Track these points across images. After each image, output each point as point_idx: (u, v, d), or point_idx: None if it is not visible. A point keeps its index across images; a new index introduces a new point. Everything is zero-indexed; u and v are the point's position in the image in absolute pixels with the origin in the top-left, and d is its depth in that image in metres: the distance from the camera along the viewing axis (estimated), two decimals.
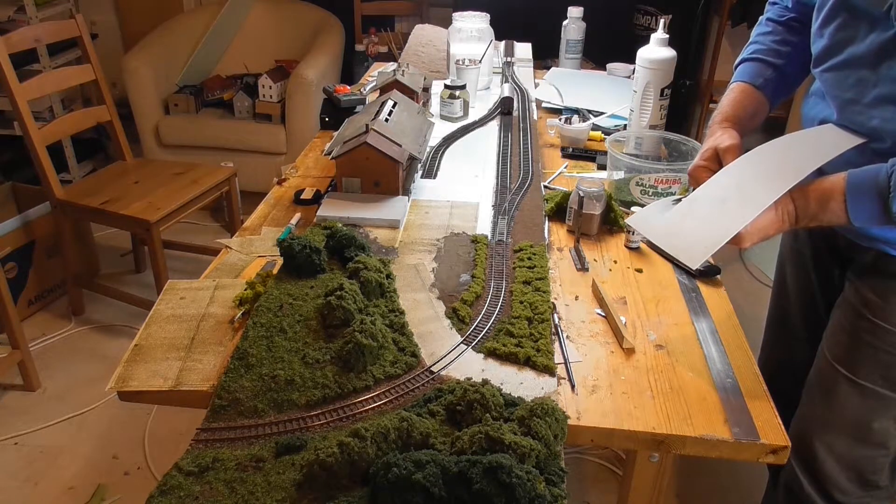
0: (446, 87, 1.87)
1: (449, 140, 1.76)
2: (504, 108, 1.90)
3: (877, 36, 0.97)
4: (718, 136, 1.11)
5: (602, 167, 1.63)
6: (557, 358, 1.01)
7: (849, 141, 1.03)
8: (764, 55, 1.22)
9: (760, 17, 1.28)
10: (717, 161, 1.10)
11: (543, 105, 2.01)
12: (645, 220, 1.09)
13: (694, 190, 1.08)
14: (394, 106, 1.50)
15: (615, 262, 1.28)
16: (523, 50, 2.48)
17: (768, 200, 0.96)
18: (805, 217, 0.99)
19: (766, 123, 1.25)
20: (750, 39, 1.27)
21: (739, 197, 0.99)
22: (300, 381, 0.93)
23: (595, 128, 1.82)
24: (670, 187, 1.38)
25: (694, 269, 1.02)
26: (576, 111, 1.93)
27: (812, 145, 1.06)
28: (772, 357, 1.47)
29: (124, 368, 0.99)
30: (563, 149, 1.75)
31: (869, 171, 0.95)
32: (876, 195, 0.93)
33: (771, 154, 1.05)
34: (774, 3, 1.27)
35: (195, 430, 0.88)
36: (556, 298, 1.16)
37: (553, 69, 2.33)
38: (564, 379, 0.98)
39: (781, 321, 1.44)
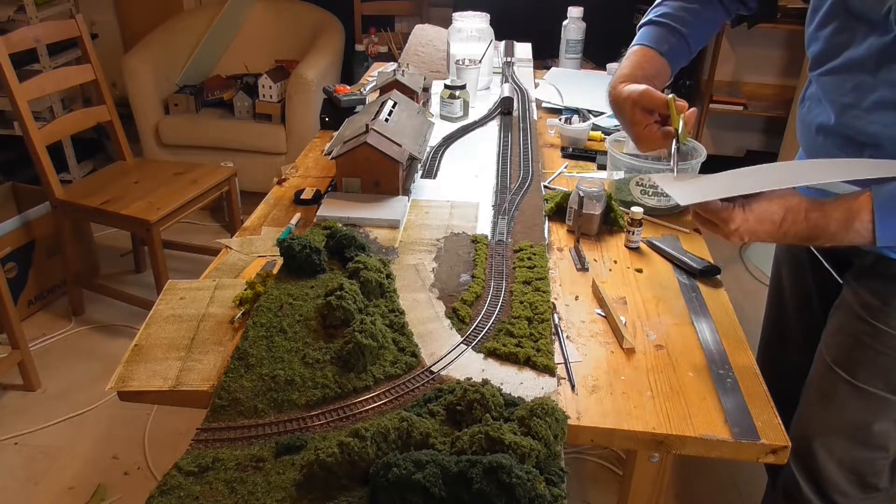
0: (446, 87, 1.87)
1: (449, 140, 1.76)
2: (504, 108, 1.90)
3: (875, 40, 0.96)
4: (625, 90, 1.09)
5: (602, 167, 1.63)
6: (557, 358, 1.01)
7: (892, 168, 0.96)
8: (671, 21, 1.19)
9: None
10: (646, 109, 1.08)
11: (543, 105, 2.01)
12: (663, 175, 1.06)
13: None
14: (394, 106, 1.50)
15: (615, 262, 1.28)
16: (523, 50, 2.48)
17: (796, 181, 0.92)
18: (824, 236, 0.94)
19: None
20: (657, 1, 1.24)
21: (761, 174, 0.95)
22: (300, 381, 0.93)
23: (595, 128, 1.82)
24: None
25: (682, 205, 0.97)
26: (576, 111, 1.93)
27: (852, 162, 1.00)
28: (768, 358, 1.47)
29: (124, 368, 0.99)
30: (563, 149, 1.75)
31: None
32: None
33: (815, 163, 1.01)
34: None
35: (195, 430, 0.88)
36: (556, 298, 1.16)
37: (553, 69, 2.33)
38: (564, 379, 0.98)
39: (778, 322, 1.44)
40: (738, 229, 0.95)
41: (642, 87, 1.08)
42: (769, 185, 0.94)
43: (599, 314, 1.13)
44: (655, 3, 1.25)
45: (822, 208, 0.94)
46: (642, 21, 1.23)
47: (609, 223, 1.38)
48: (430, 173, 1.58)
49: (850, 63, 1.01)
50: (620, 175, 1.44)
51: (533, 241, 1.28)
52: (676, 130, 1.05)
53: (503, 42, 2.43)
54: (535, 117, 1.90)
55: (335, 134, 1.59)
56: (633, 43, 1.22)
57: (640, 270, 1.25)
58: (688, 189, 0.96)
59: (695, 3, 1.22)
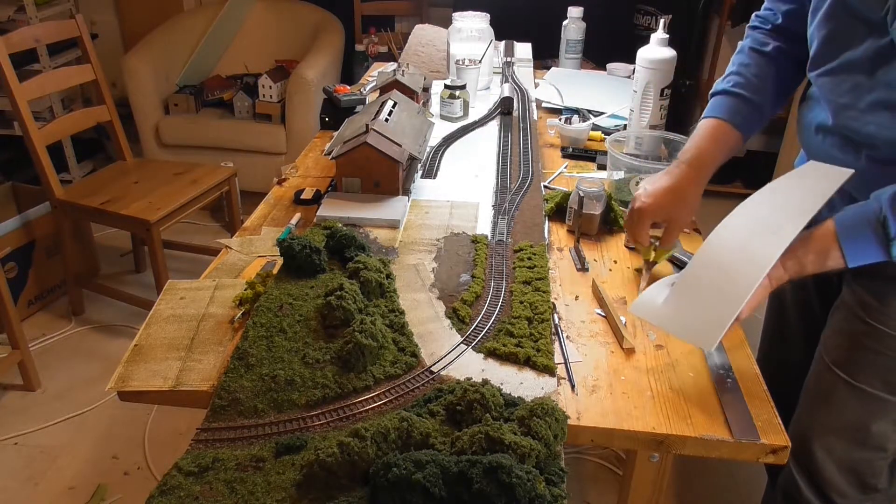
0: (446, 87, 1.87)
1: (449, 140, 1.76)
2: (504, 108, 1.90)
3: (873, 41, 0.96)
4: (650, 196, 1.15)
5: (602, 167, 1.63)
6: (557, 358, 1.01)
7: (839, 176, 0.99)
8: (743, 90, 1.19)
9: (741, 43, 1.25)
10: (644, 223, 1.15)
11: (543, 105, 2.01)
12: (647, 306, 1.02)
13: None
14: (394, 106, 1.50)
15: (615, 262, 1.28)
16: (523, 50, 2.48)
17: (776, 254, 0.92)
18: (805, 274, 0.97)
19: (767, 125, 1.24)
20: (730, 67, 1.23)
21: (740, 261, 0.94)
22: (300, 381, 0.93)
23: (595, 128, 1.82)
24: None
25: (711, 351, 0.99)
26: (576, 111, 1.93)
27: (801, 190, 1.01)
28: (768, 358, 1.47)
29: (124, 368, 0.99)
30: (563, 149, 1.75)
31: (855, 209, 0.94)
32: (871, 231, 0.92)
33: (760, 208, 1.00)
34: (755, 28, 1.24)
35: (195, 430, 0.88)
36: (556, 298, 1.16)
37: (553, 69, 2.33)
38: (564, 379, 0.98)
39: (778, 323, 1.44)
40: (749, 316, 0.96)
41: (662, 210, 1.14)
42: (756, 275, 0.92)
43: (599, 314, 1.13)
44: (728, 69, 1.23)
45: (794, 255, 0.96)
46: (714, 89, 1.22)
47: (609, 223, 1.38)
48: (430, 173, 1.58)
49: (848, 64, 1.01)
50: (620, 175, 1.44)
51: (533, 241, 1.28)
52: (647, 261, 1.18)
53: (503, 42, 2.43)
54: (535, 117, 1.90)
55: (335, 134, 1.59)
56: (705, 113, 1.21)
57: (640, 270, 1.25)
58: (700, 328, 0.94)
59: (765, 67, 1.20)
